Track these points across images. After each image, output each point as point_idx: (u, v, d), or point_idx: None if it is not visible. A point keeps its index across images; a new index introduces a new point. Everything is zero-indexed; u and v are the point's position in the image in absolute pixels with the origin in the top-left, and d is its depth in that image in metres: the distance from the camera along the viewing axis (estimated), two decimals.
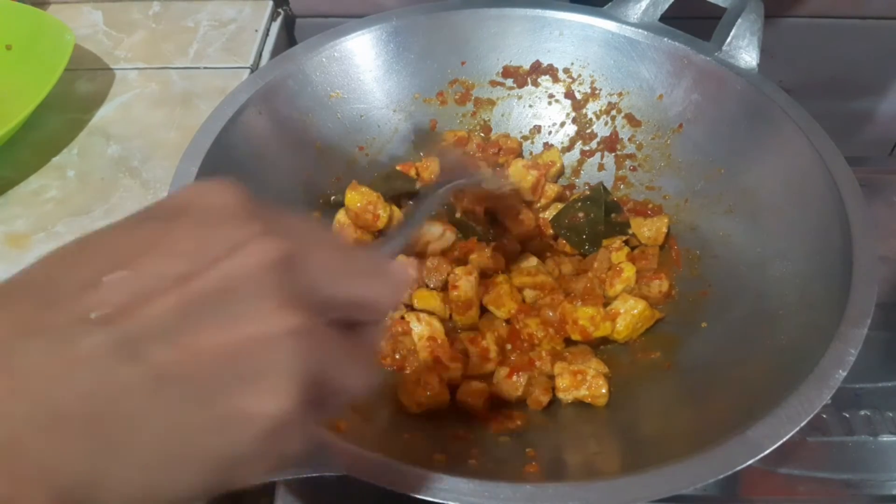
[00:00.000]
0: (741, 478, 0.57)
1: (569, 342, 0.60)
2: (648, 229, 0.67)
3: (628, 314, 0.59)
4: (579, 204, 0.68)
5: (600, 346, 0.61)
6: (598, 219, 0.67)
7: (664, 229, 0.67)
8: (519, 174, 0.69)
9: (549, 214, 0.67)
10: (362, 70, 0.71)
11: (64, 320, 0.23)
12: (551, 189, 0.70)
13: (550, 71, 0.74)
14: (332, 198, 0.67)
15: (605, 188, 0.70)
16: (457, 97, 0.75)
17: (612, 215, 0.68)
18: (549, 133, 0.76)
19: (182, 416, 0.23)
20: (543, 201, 0.69)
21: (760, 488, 0.57)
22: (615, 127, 0.73)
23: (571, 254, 0.68)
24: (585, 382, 0.54)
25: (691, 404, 0.52)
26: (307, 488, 0.57)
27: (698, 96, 0.68)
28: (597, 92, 0.73)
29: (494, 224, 0.68)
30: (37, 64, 0.73)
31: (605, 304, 0.61)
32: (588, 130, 0.74)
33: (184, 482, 0.24)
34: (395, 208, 0.66)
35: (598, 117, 0.74)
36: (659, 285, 0.62)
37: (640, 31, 0.70)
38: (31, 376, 0.22)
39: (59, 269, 0.25)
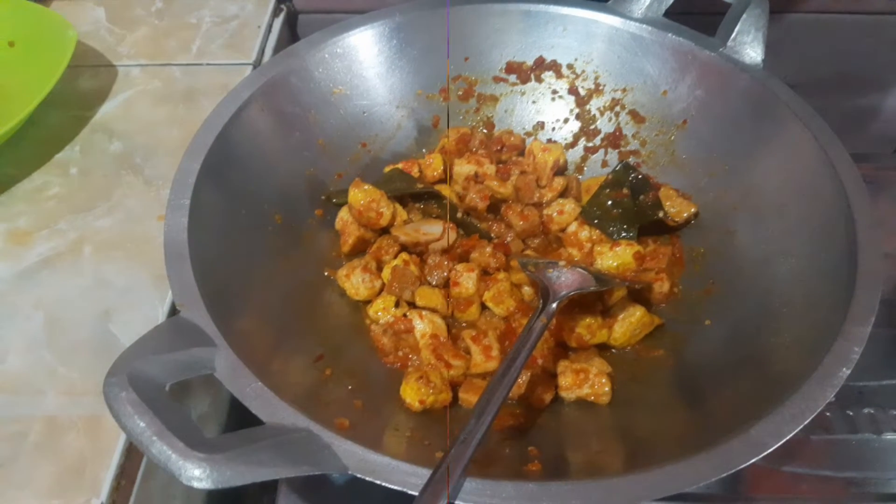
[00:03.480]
0: (745, 476, 0.57)
1: (567, 346, 0.60)
2: (673, 206, 0.67)
3: (626, 320, 0.58)
4: (607, 191, 0.68)
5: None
6: (628, 204, 0.67)
7: (685, 214, 0.66)
8: (538, 148, 0.70)
9: (551, 210, 0.67)
10: (365, 66, 0.71)
11: None
12: (558, 182, 0.69)
13: (554, 67, 0.74)
14: (335, 200, 0.67)
15: (628, 166, 0.70)
16: (460, 93, 0.75)
17: (641, 197, 0.67)
18: (553, 129, 0.75)
19: None
20: (550, 195, 0.69)
21: (764, 486, 0.57)
22: (619, 123, 0.73)
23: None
24: (588, 381, 0.54)
25: (694, 402, 0.52)
26: (309, 486, 0.58)
27: (703, 92, 0.68)
28: (600, 88, 0.73)
29: (497, 221, 0.68)
30: (39, 61, 0.73)
31: (604, 311, 0.60)
32: (592, 126, 0.74)
33: None
34: (398, 206, 0.66)
35: (601, 113, 0.74)
36: (660, 286, 0.62)
37: (644, 26, 0.70)
38: None
39: None
